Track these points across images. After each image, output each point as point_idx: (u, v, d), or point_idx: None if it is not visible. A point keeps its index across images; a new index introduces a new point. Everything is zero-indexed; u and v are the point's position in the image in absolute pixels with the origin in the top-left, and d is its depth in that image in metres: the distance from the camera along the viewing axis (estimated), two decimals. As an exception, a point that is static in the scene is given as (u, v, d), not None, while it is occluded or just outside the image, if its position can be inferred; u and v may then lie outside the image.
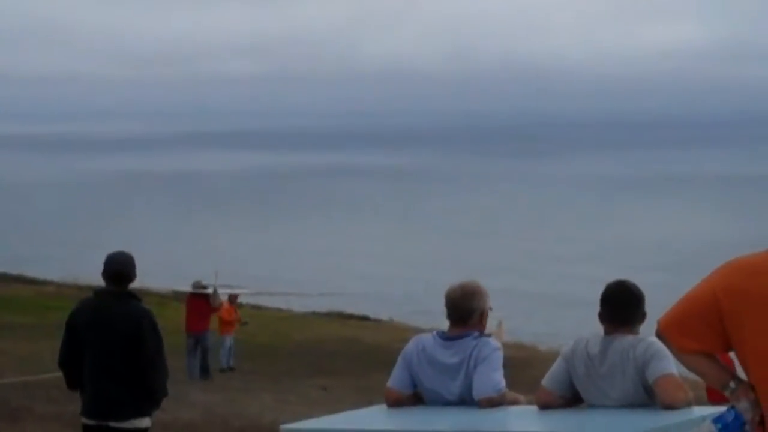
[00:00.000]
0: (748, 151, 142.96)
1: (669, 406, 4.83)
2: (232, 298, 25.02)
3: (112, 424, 6.99)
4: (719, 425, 3.44)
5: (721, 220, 63.20)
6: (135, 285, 7.55)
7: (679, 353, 3.63)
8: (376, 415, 5.41)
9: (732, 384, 3.40)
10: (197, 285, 23.48)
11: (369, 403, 6.34)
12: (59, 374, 7.55)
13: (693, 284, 3.42)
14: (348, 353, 25.75)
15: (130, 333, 6.93)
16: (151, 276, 26.38)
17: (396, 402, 5.36)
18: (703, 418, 4.24)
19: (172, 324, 20.28)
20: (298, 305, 34.31)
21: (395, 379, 5.42)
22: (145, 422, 7.13)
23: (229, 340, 23.88)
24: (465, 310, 5.36)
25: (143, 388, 7.00)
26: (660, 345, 4.61)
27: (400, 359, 5.46)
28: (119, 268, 7.14)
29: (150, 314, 7.16)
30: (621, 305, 5.10)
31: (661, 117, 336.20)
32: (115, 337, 6.93)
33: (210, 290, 23.24)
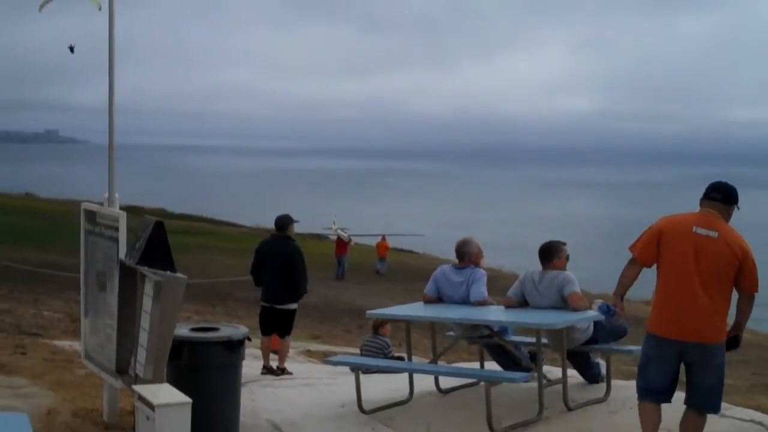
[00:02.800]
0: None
1: (575, 309, 7.75)
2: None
3: (277, 306, 11.20)
4: (601, 304, 6.75)
5: (601, 209, 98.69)
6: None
7: (637, 263, 6.54)
8: (418, 307, 8.59)
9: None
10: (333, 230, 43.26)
11: (413, 300, 9.18)
12: (249, 277, 11.90)
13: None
14: (403, 270, 38.75)
15: (287, 258, 11.13)
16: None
17: (428, 301, 8.58)
18: (593, 318, 7.67)
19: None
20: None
21: (428, 288, 8.64)
22: (293, 306, 11.30)
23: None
24: (464, 253, 8.55)
25: (293, 287, 11.19)
26: (570, 275, 7.90)
27: (431, 277, 8.67)
28: (281, 222, 11.43)
29: (298, 248, 11.35)
30: (546, 253, 8.16)
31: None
32: (279, 260, 11.13)
33: (342, 233, 39.96)
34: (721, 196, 6.40)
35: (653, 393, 6.39)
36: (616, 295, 6.71)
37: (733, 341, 6.40)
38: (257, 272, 11.49)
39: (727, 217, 6.39)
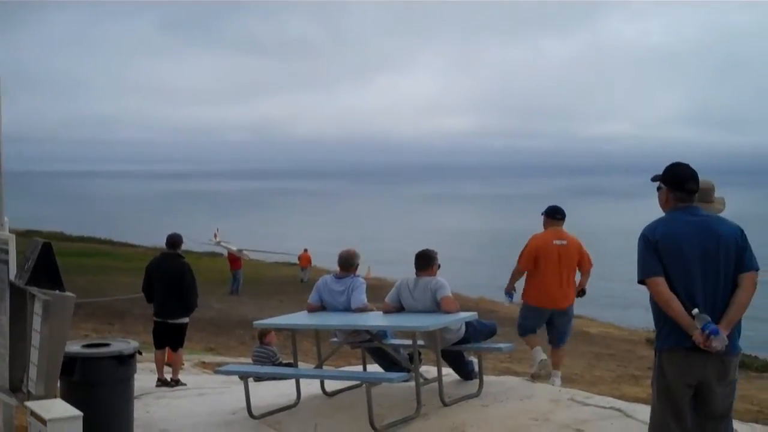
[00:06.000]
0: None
1: (447, 312, 7.85)
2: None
3: (169, 321, 11.09)
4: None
5: (477, 221, 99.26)
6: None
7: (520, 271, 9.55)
8: (302, 316, 8.52)
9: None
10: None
11: (301, 309, 8.88)
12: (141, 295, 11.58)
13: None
14: (294, 283, 38.93)
15: (177, 274, 10.96)
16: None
17: (312, 309, 8.50)
18: (464, 319, 7.96)
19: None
20: (269, 257, 51.23)
21: (311, 298, 8.56)
22: (185, 320, 11.21)
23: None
24: (349, 264, 8.51)
25: (184, 302, 11.02)
26: (442, 280, 8.05)
27: (314, 287, 8.62)
28: (171, 240, 11.30)
29: (187, 264, 11.23)
30: (422, 260, 8.19)
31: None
32: (169, 277, 10.96)
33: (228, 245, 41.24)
34: (561, 216, 9.46)
35: (532, 330, 9.58)
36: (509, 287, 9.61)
37: (582, 293, 9.62)
38: (149, 289, 11.30)
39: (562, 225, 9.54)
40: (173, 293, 11.01)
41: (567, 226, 9.61)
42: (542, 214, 9.58)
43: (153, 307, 11.34)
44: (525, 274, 9.51)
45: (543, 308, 9.41)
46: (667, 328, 5.04)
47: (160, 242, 12.31)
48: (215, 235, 48.34)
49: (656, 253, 5.03)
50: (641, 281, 5.10)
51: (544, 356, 9.52)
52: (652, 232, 5.10)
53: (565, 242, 9.32)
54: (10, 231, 7.02)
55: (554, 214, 9.41)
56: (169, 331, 11.15)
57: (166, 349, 11.26)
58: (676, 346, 5.00)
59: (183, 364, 12.35)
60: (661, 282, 5.00)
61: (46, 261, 5.93)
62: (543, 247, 9.30)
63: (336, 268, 8.79)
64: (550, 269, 9.25)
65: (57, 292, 5.76)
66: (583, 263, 9.45)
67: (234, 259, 38.02)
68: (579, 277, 9.67)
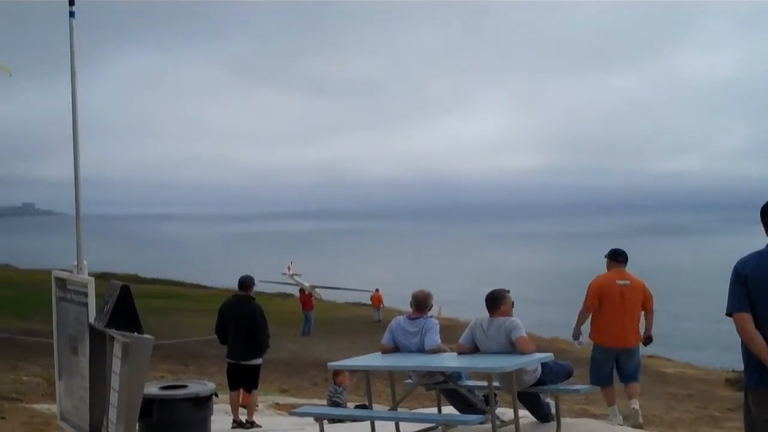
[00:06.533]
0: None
1: (523, 352, 7.73)
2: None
3: (242, 362, 11.13)
4: None
5: (546, 260, 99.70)
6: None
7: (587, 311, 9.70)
8: (376, 357, 8.47)
9: None
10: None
11: (372, 350, 9.10)
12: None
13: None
14: (366, 323, 39.90)
15: (249, 317, 11.03)
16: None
17: (386, 351, 8.44)
18: (540, 360, 7.80)
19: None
20: (340, 297, 52.53)
21: (385, 339, 8.51)
22: (258, 361, 11.20)
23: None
24: (424, 304, 8.48)
25: (256, 344, 11.04)
26: (517, 320, 7.92)
27: (387, 328, 8.56)
28: (243, 282, 11.40)
29: (259, 306, 11.28)
30: (494, 301, 8.12)
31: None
32: (241, 319, 11.05)
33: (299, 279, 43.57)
34: (624, 259, 9.68)
35: (605, 376, 9.61)
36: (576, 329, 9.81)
37: (649, 340, 9.70)
38: (222, 331, 11.42)
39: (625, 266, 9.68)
40: (245, 335, 11.07)
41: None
42: (605, 256, 9.82)
43: (226, 348, 11.40)
44: (591, 316, 9.65)
45: (610, 347, 9.52)
46: (751, 366, 5.00)
47: (231, 284, 12.40)
48: (288, 268, 48.94)
49: (744, 287, 4.95)
50: (728, 314, 5.07)
51: (620, 419, 9.47)
52: (743, 265, 5.02)
53: (628, 282, 9.51)
54: (88, 274, 7.12)
55: (617, 257, 9.66)
56: (243, 373, 11.19)
57: (240, 390, 11.28)
58: (759, 385, 4.94)
59: (257, 406, 12.35)
60: (746, 318, 4.94)
61: (125, 303, 5.98)
62: (607, 286, 9.50)
63: (407, 308, 8.73)
64: (614, 309, 9.41)
65: (136, 334, 5.80)
66: (647, 302, 9.60)
67: (306, 300, 38.19)
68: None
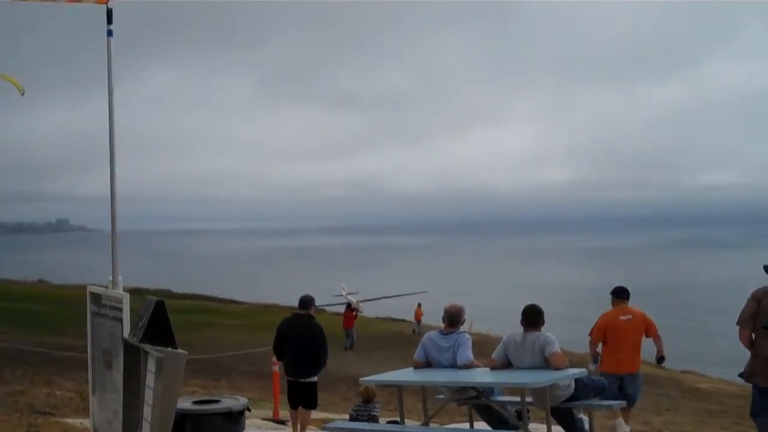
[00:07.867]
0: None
1: (556, 368, 7.73)
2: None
3: (301, 380, 11.37)
4: None
5: (577, 275, 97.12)
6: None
7: (594, 342, 11.15)
8: (408, 372, 8.58)
9: None
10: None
11: (406, 366, 9.05)
12: (257, 350, 11.65)
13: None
14: (397, 338, 39.97)
15: (310, 335, 11.25)
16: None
17: (418, 366, 8.54)
18: (574, 375, 7.87)
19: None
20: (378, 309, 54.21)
21: (417, 354, 8.62)
22: (315, 378, 11.49)
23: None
24: (456, 320, 8.55)
25: (316, 361, 11.30)
26: (550, 336, 8.01)
27: (420, 343, 8.67)
28: (304, 302, 11.59)
29: (320, 325, 11.50)
30: (530, 316, 8.19)
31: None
32: (303, 337, 11.26)
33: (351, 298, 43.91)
34: (626, 295, 10.84)
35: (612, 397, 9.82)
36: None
37: (661, 359, 11.06)
38: (280, 349, 11.72)
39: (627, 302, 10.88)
40: (305, 352, 11.37)
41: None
42: (610, 294, 11.02)
43: (284, 366, 11.71)
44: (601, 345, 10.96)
45: (615, 374, 10.61)
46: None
47: (264, 299, 12.48)
48: (343, 289, 50.90)
49: (758, 307, 5.71)
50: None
51: (627, 429, 10.37)
52: (764, 289, 5.39)
53: (630, 316, 10.73)
54: (123, 289, 7.20)
55: (620, 294, 10.90)
56: (301, 390, 11.46)
57: (299, 408, 11.56)
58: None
59: (312, 426, 12.45)
60: (745, 334, 6.73)
61: (160, 319, 6.03)
62: (611, 323, 10.75)
63: (439, 323, 8.73)
64: (618, 341, 10.67)
65: (170, 349, 5.85)
66: (649, 330, 10.78)
67: (348, 318, 38.61)
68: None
